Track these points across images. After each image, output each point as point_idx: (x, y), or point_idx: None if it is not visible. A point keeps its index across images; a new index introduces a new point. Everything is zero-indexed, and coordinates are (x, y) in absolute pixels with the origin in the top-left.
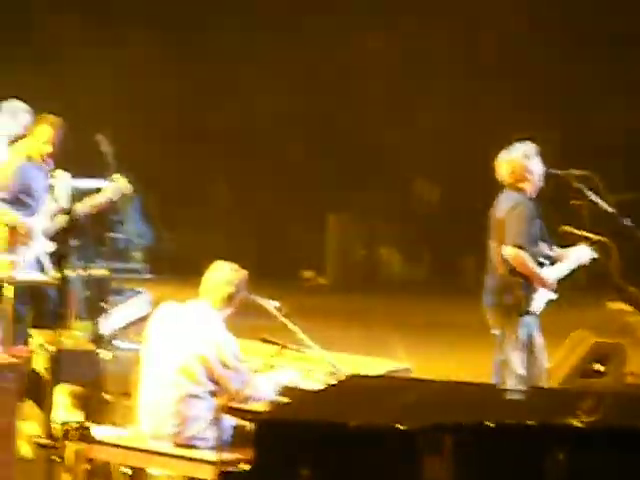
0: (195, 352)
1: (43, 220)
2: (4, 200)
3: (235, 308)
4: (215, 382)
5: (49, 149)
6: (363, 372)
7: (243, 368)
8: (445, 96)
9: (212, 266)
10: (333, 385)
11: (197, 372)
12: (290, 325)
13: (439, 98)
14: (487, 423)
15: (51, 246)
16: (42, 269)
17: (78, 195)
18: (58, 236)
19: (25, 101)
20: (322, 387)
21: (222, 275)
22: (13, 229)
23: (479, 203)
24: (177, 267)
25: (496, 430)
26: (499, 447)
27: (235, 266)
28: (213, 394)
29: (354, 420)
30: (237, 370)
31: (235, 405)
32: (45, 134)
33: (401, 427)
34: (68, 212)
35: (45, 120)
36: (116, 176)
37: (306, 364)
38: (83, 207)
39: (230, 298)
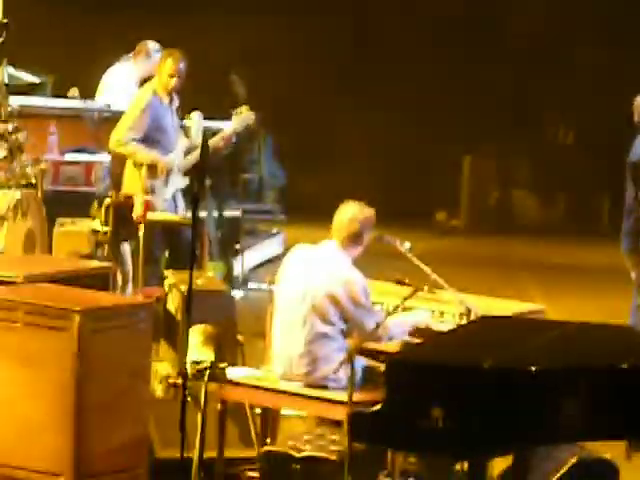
0: (325, 291)
1: (177, 157)
2: (135, 139)
3: (364, 247)
4: (346, 321)
5: (173, 82)
6: (496, 313)
7: (374, 308)
8: (604, 31)
9: (340, 206)
10: (466, 326)
11: (328, 311)
12: (422, 266)
13: (598, 33)
14: (621, 365)
15: (185, 182)
16: (176, 208)
17: (210, 135)
18: (192, 173)
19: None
20: (454, 328)
21: (347, 213)
22: (149, 167)
23: (615, 146)
24: (311, 207)
25: (630, 372)
26: (633, 390)
27: (361, 205)
28: (344, 334)
29: (486, 361)
30: (368, 309)
31: (367, 346)
32: (167, 67)
33: (533, 368)
34: (201, 148)
35: (167, 54)
36: (241, 109)
37: (439, 305)
38: (213, 141)
39: (356, 236)
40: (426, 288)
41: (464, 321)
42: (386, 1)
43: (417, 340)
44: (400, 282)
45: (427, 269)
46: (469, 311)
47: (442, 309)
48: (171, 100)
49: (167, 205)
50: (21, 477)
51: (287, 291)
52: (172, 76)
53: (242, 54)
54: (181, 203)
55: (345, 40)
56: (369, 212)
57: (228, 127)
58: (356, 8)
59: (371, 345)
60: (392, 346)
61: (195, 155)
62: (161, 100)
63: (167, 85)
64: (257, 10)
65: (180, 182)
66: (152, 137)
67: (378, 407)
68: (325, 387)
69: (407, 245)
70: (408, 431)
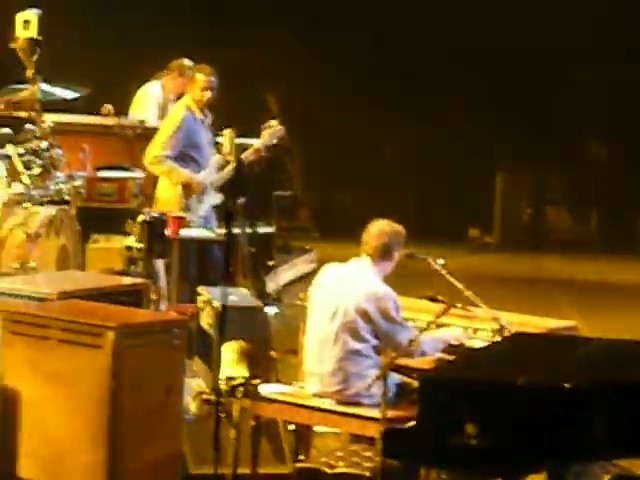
0: (356, 307)
1: (210, 174)
2: (169, 157)
3: (395, 263)
4: (378, 337)
5: (205, 96)
6: (529, 330)
7: (407, 323)
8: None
9: (369, 224)
10: (499, 343)
11: (360, 327)
12: (456, 283)
13: (630, 48)
14: None
15: (218, 199)
16: (210, 226)
17: (242, 151)
18: (225, 189)
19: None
20: (488, 345)
21: (375, 229)
22: (184, 186)
23: None
24: (345, 224)
25: None
26: None
27: (389, 221)
28: (377, 351)
29: (520, 378)
30: (400, 324)
31: (400, 362)
32: (199, 82)
33: (567, 385)
34: (234, 165)
35: (197, 69)
36: (270, 122)
37: (472, 322)
38: (246, 156)
39: (384, 251)
40: (459, 305)
41: (497, 338)
42: (420, 16)
43: (450, 357)
44: (433, 299)
45: (460, 286)
46: (502, 328)
47: (475, 326)
48: (204, 116)
49: (201, 222)
50: None
51: (319, 308)
52: (204, 90)
53: (275, 69)
54: (214, 220)
55: (378, 55)
56: (397, 227)
57: (258, 141)
58: (388, 23)
59: (404, 361)
60: (425, 362)
61: (228, 171)
62: (195, 116)
63: (200, 100)
64: (289, 26)
65: (214, 199)
66: (186, 154)
67: (411, 424)
68: (358, 404)
69: (440, 262)
70: (441, 448)
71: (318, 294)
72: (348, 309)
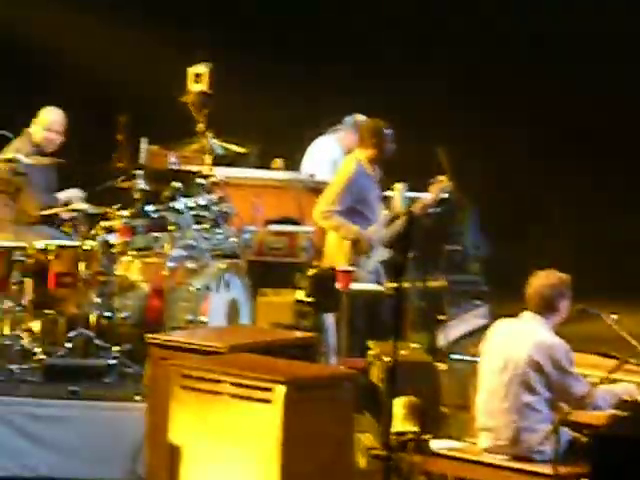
0: (527, 359)
1: (380, 229)
2: (339, 212)
3: (563, 315)
4: (551, 389)
5: (369, 154)
6: None
7: (580, 376)
8: None
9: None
10: None
11: (532, 379)
12: (629, 339)
13: None
14: None
15: (387, 254)
16: (379, 279)
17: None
18: (394, 244)
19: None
20: None
21: (537, 281)
22: (353, 242)
23: None
24: (515, 279)
25: None
26: None
27: (552, 270)
28: (550, 404)
29: None
30: (574, 375)
31: (572, 418)
32: (365, 138)
33: None
34: (404, 217)
35: (361, 125)
36: (440, 177)
37: None
38: (415, 209)
39: (549, 302)
40: (633, 360)
41: None
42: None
43: (623, 413)
44: (605, 354)
45: (634, 341)
46: None
47: None
48: (374, 171)
49: (370, 278)
50: None
51: (490, 362)
52: (368, 147)
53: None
54: (383, 275)
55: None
56: (560, 276)
57: (427, 196)
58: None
59: (575, 416)
60: (597, 418)
61: (397, 226)
62: (366, 171)
63: (366, 156)
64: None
65: (382, 254)
66: (356, 209)
67: None
68: (531, 459)
69: (613, 317)
70: None
71: (489, 348)
72: (519, 361)
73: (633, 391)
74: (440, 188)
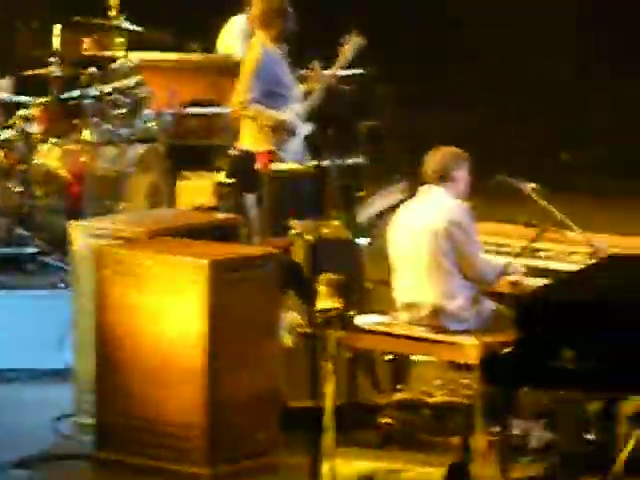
0: (434, 226)
1: (297, 108)
2: (255, 100)
3: (461, 186)
4: (456, 252)
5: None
6: (625, 252)
7: (478, 242)
8: None
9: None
10: (594, 266)
11: (441, 244)
12: (548, 207)
13: None
14: None
15: (309, 128)
16: (303, 159)
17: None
18: (313, 119)
19: None
20: (583, 268)
21: (430, 155)
22: (274, 129)
23: None
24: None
25: None
26: None
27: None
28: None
29: (616, 300)
30: (472, 238)
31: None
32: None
33: None
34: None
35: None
36: (350, 36)
37: (566, 246)
38: (329, 73)
39: (444, 171)
40: (553, 229)
41: (594, 261)
42: None
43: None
44: (527, 224)
45: (553, 209)
46: (597, 250)
47: (570, 249)
48: (279, 48)
49: (298, 157)
50: (159, 430)
51: (400, 241)
52: (273, 27)
53: None
54: (305, 154)
55: None
56: (452, 150)
57: (340, 56)
58: None
59: (498, 287)
60: (518, 286)
61: (314, 98)
62: (270, 51)
63: (273, 35)
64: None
65: (304, 129)
66: (272, 90)
67: (509, 349)
68: (454, 331)
69: (532, 185)
70: (540, 372)
71: (396, 229)
72: (424, 231)
73: (518, 270)
74: (352, 46)
